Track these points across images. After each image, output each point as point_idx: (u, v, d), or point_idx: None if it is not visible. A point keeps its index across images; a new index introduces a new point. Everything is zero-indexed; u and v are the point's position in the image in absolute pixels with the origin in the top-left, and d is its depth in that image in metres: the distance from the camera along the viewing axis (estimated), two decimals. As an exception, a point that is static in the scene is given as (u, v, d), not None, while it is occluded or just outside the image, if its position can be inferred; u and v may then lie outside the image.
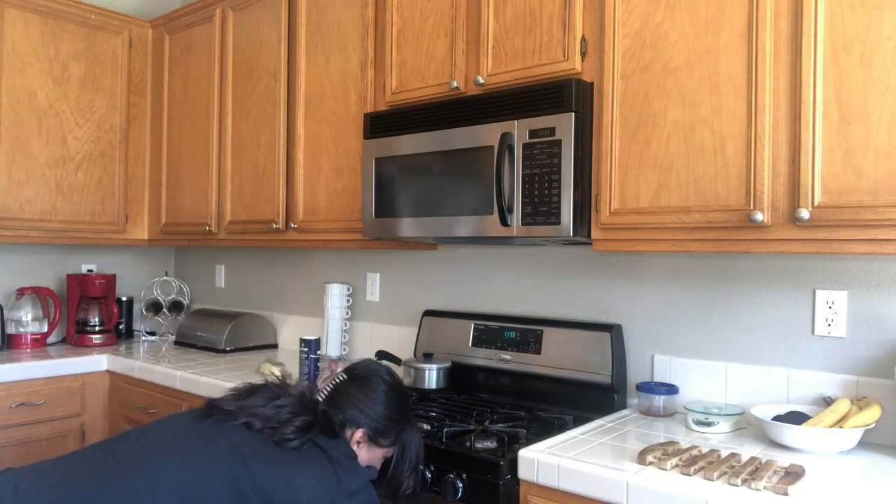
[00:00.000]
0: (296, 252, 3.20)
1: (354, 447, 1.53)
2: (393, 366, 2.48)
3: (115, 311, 3.24)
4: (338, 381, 1.59)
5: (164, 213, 3.27)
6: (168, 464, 1.35)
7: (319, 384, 1.62)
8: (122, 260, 3.57)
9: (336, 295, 2.82)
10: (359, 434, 1.54)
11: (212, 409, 1.48)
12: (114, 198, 3.22)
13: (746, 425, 1.83)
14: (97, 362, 2.86)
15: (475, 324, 2.39)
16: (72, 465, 1.38)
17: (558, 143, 1.81)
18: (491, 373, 2.31)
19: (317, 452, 1.44)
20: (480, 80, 2.05)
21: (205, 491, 1.33)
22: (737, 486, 1.34)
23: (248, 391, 1.54)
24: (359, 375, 1.60)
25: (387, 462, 1.60)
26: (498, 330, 2.33)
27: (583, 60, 1.87)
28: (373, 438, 1.55)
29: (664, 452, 1.52)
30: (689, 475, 1.41)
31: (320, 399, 1.56)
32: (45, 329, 3.10)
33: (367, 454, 1.56)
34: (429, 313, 2.55)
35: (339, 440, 1.50)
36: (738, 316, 1.94)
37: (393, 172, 2.20)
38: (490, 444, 1.70)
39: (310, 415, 1.48)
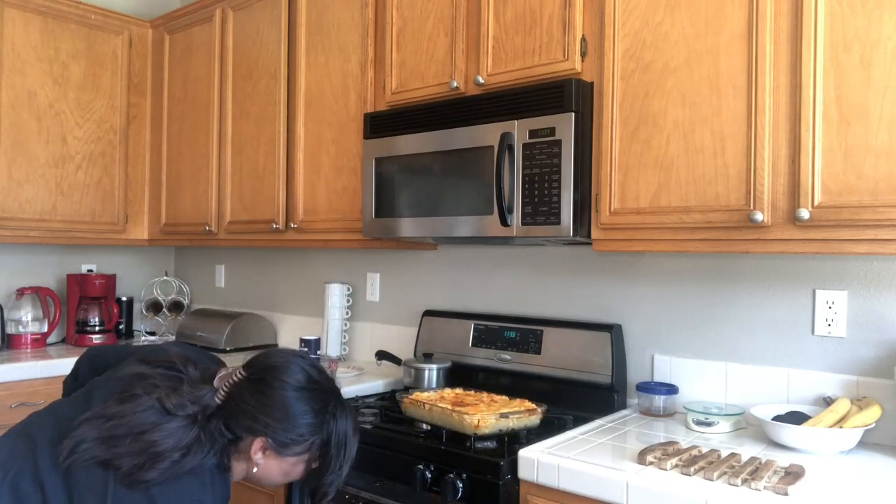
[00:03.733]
0: (296, 252, 3.20)
1: (258, 457, 1.29)
2: (393, 366, 2.50)
3: (115, 311, 3.24)
4: (234, 379, 1.31)
5: (164, 213, 3.27)
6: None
7: (216, 382, 1.32)
8: (122, 260, 3.57)
9: (336, 295, 2.82)
10: (258, 443, 1.28)
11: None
12: (114, 198, 3.22)
13: (746, 425, 1.83)
14: None
15: (475, 324, 2.39)
16: None
17: (558, 143, 1.81)
18: (491, 373, 2.31)
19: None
20: (480, 80, 2.05)
21: None
22: (737, 486, 1.34)
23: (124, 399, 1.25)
24: (254, 375, 1.31)
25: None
26: (498, 330, 2.33)
27: (583, 60, 1.87)
28: (277, 449, 1.29)
29: (664, 452, 1.52)
30: (689, 475, 1.41)
31: (218, 402, 1.29)
32: (45, 329, 3.10)
33: (278, 464, 1.32)
34: (429, 313, 2.55)
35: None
36: (738, 316, 1.94)
37: (393, 172, 2.20)
38: (490, 444, 1.70)
39: (194, 439, 1.22)
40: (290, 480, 1.37)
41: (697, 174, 1.67)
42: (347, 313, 2.86)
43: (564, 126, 1.81)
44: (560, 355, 2.15)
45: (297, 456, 1.32)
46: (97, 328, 3.16)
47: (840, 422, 1.59)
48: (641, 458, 1.49)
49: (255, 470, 1.31)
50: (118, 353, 1.51)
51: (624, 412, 2.01)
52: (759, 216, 1.55)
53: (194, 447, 1.22)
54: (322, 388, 1.34)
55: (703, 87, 1.66)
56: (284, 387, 1.29)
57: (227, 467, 1.28)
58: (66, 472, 1.20)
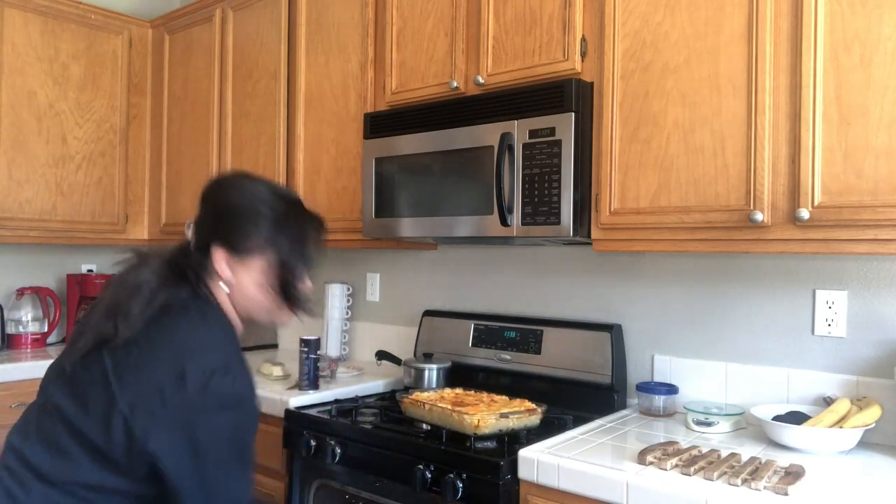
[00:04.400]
0: (296, 252, 3.20)
1: (226, 272, 1.27)
2: (393, 366, 2.49)
3: (115, 311, 3.23)
4: (196, 215, 1.33)
5: (164, 212, 3.27)
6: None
7: (188, 235, 1.34)
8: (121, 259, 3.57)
9: (336, 295, 2.82)
10: (218, 255, 1.26)
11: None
12: (114, 198, 3.22)
13: (746, 425, 1.83)
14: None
15: (475, 324, 2.39)
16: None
17: (558, 143, 1.81)
18: (491, 373, 2.31)
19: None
20: (480, 80, 2.05)
21: None
22: (737, 486, 1.34)
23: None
24: (203, 197, 1.33)
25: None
26: (498, 330, 2.33)
27: (583, 60, 1.87)
28: (236, 254, 1.27)
29: (664, 452, 1.52)
30: (689, 475, 1.41)
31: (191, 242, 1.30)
32: (45, 329, 3.10)
33: (248, 276, 1.28)
34: (429, 313, 2.55)
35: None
36: (738, 316, 1.94)
37: (393, 172, 2.20)
38: (490, 444, 1.70)
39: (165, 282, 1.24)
40: (269, 298, 1.31)
41: (697, 174, 1.67)
42: (347, 313, 2.86)
43: (564, 126, 1.81)
44: (560, 355, 2.15)
45: (258, 257, 1.28)
46: (97, 328, 3.16)
47: (840, 422, 1.59)
48: (641, 458, 1.49)
49: (230, 292, 1.28)
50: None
51: (624, 412, 2.01)
52: (759, 216, 1.55)
53: (163, 281, 1.23)
54: (265, 181, 1.35)
55: (703, 87, 1.66)
56: (228, 192, 1.31)
57: (206, 296, 1.26)
58: (71, 385, 1.21)
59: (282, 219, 1.30)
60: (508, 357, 2.27)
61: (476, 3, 2.09)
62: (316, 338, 2.31)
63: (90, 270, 3.41)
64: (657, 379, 2.06)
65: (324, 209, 2.53)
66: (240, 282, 1.29)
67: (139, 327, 1.18)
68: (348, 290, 2.86)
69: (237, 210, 1.29)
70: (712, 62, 1.65)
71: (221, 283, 1.28)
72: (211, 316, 1.25)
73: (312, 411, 2.05)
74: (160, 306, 1.20)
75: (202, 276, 1.27)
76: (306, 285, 1.33)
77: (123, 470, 1.16)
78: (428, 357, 2.37)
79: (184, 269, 1.26)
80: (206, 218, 1.31)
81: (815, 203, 1.49)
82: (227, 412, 1.17)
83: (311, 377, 2.25)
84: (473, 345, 2.37)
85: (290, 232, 1.30)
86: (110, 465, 1.16)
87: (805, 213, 1.49)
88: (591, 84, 1.86)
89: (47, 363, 2.65)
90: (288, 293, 1.31)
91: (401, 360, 2.44)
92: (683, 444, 1.62)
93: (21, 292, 3.03)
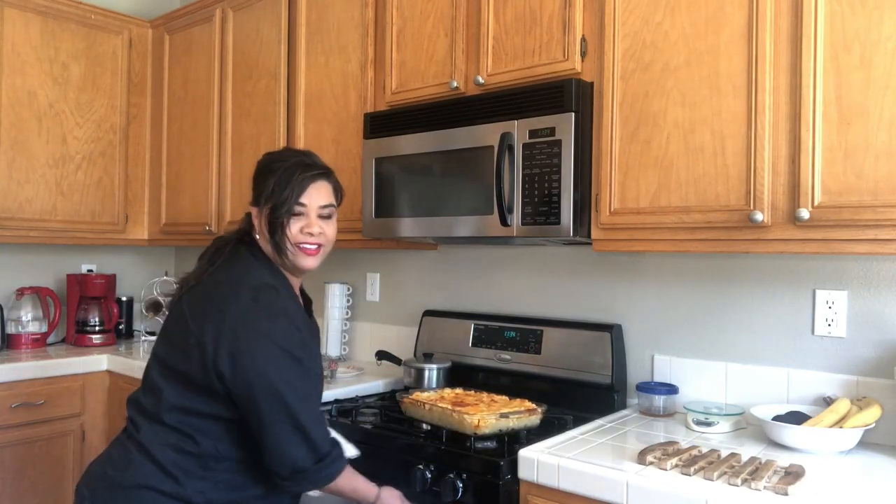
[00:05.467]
0: (296, 252, 3.20)
1: (258, 224, 1.55)
2: (393, 366, 2.49)
3: (115, 311, 3.24)
4: None
5: (164, 212, 3.27)
6: None
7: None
8: (122, 260, 3.57)
9: (336, 295, 2.82)
10: (252, 210, 1.57)
11: None
12: (114, 198, 3.22)
13: (746, 425, 1.83)
14: (97, 362, 2.86)
15: (475, 324, 2.39)
16: None
17: (558, 143, 1.81)
18: (491, 373, 2.31)
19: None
20: (480, 80, 2.04)
21: None
22: (737, 486, 1.34)
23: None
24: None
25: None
26: (498, 330, 2.33)
27: (583, 60, 1.87)
28: (257, 206, 1.55)
29: (664, 452, 1.52)
30: (689, 475, 1.41)
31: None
32: (45, 329, 3.09)
33: (262, 220, 1.54)
34: (429, 313, 2.55)
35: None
36: (738, 316, 1.94)
37: (393, 172, 2.20)
38: (490, 444, 1.70)
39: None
40: (266, 242, 1.54)
41: (697, 174, 1.67)
42: (347, 313, 2.86)
43: (564, 126, 1.81)
44: (560, 355, 2.15)
45: (268, 206, 1.51)
46: (97, 328, 3.16)
47: (840, 422, 1.59)
48: (641, 458, 1.49)
49: (262, 235, 1.54)
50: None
51: (624, 412, 2.01)
52: (759, 216, 1.55)
53: (226, 240, 1.58)
54: (291, 148, 1.67)
55: (703, 87, 1.66)
56: (262, 159, 1.60)
57: (250, 243, 1.56)
58: (163, 334, 1.54)
59: (266, 169, 1.55)
60: (508, 357, 2.27)
61: (476, 3, 2.09)
62: (316, 338, 2.31)
63: (90, 270, 3.41)
64: (657, 379, 2.06)
65: (324, 209, 2.53)
66: (260, 230, 1.55)
67: (205, 272, 1.50)
68: (348, 290, 2.86)
69: (256, 172, 1.58)
70: (712, 62, 1.65)
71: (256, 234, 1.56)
72: (256, 255, 1.53)
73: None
74: (221, 255, 1.52)
75: (250, 230, 1.57)
76: (293, 228, 1.51)
77: (205, 390, 1.40)
78: (428, 357, 2.37)
79: (242, 229, 1.59)
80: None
81: (815, 203, 1.49)
82: (277, 320, 1.41)
83: (311, 377, 2.25)
84: (473, 345, 2.37)
85: (279, 174, 1.51)
86: (193, 387, 1.41)
87: (805, 213, 1.49)
88: (591, 84, 1.86)
89: (47, 363, 2.69)
90: (274, 236, 1.51)
91: (401, 360, 2.44)
92: (683, 444, 1.62)
93: (21, 292, 3.03)
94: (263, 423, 1.37)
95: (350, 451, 1.59)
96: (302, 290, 1.66)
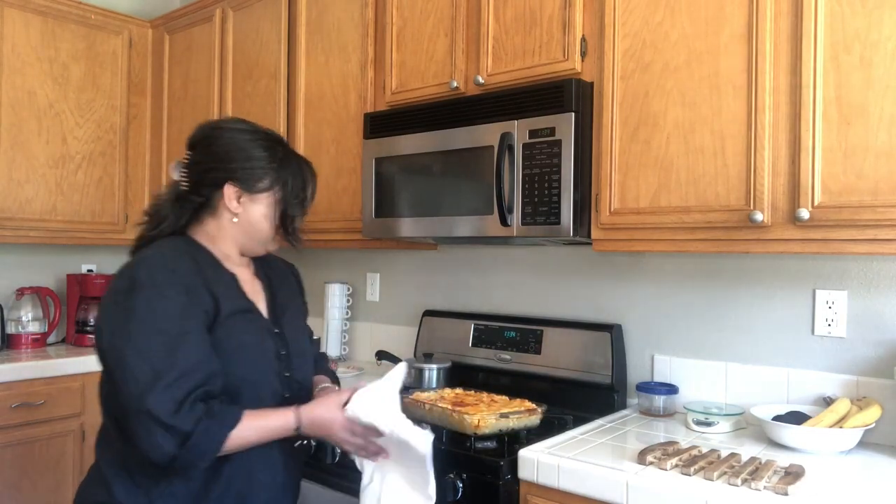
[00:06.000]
0: (296, 252, 3.19)
1: (234, 205, 1.40)
2: (393, 366, 2.49)
3: (115, 311, 3.23)
4: (184, 160, 1.44)
5: (164, 213, 3.26)
6: None
7: (174, 176, 1.46)
8: (121, 260, 3.51)
9: (336, 295, 2.82)
10: (228, 191, 1.39)
11: None
12: (114, 198, 3.22)
13: (746, 425, 1.83)
14: (97, 362, 2.85)
15: (475, 324, 2.39)
16: None
17: (558, 143, 1.81)
18: (491, 373, 2.31)
19: None
20: (480, 80, 2.04)
21: None
22: (737, 486, 1.34)
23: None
24: (196, 142, 1.44)
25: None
26: (498, 330, 2.33)
27: (583, 60, 1.87)
28: (247, 189, 1.40)
29: (664, 452, 1.52)
30: (689, 475, 1.41)
31: (183, 186, 1.42)
32: (45, 329, 3.09)
33: (255, 208, 1.42)
34: (429, 313, 2.55)
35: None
36: (738, 316, 1.94)
37: (393, 172, 2.20)
38: (490, 444, 1.70)
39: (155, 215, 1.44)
40: (273, 226, 1.46)
41: (697, 174, 1.67)
42: (347, 313, 2.86)
43: (564, 126, 1.81)
44: (560, 355, 2.15)
45: (266, 192, 1.42)
46: (97, 328, 3.16)
47: (840, 422, 1.59)
48: (641, 458, 1.49)
49: (235, 220, 1.42)
50: None
51: (624, 412, 2.01)
52: (759, 216, 1.55)
53: (157, 215, 1.43)
54: (259, 127, 1.48)
55: (704, 87, 1.66)
56: (230, 132, 1.43)
57: (182, 230, 1.43)
58: None
59: (284, 161, 1.45)
60: (508, 357, 2.27)
61: (476, 3, 2.09)
62: (316, 338, 2.31)
63: (90, 270, 3.41)
64: (657, 379, 2.06)
65: (324, 209, 2.54)
66: (247, 213, 1.42)
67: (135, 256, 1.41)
68: (348, 290, 2.86)
69: (239, 149, 1.41)
70: (712, 62, 1.65)
71: (227, 215, 1.42)
72: (172, 243, 1.40)
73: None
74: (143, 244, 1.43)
75: (202, 216, 1.43)
76: (301, 219, 1.50)
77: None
78: (428, 357, 2.37)
79: (182, 208, 1.42)
80: (206, 160, 1.42)
81: (815, 203, 1.49)
82: (132, 294, 1.27)
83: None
84: (473, 345, 2.37)
85: (290, 172, 1.45)
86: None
87: (805, 213, 1.49)
88: (591, 84, 1.86)
89: (47, 363, 2.69)
90: (286, 226, 1.47)
91: (401, 360, 2.44)
92: (683, 444, 1.62)
93: (21, 292, 3.03)
94: (120, 407, 1.25)
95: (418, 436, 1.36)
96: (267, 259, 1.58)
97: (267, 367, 1.40)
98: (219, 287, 1.36)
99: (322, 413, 1.35)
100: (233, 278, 1.43)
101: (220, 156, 1.40)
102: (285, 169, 1.44)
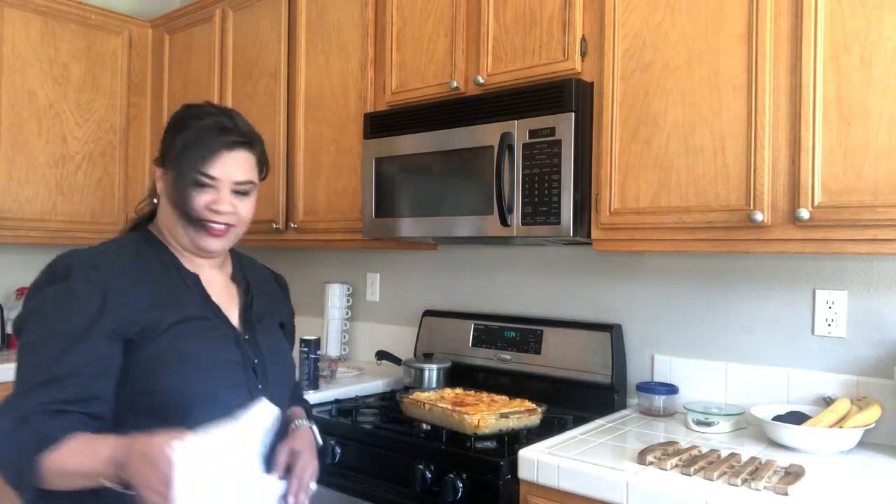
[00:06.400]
0: (296, 252, 3.20)
1: (160, 185, 1.30)
2: (393, 366, 2.49)
3: (115, 311, 3.23)
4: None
5: (164, 213, 3.26)
6: None
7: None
8: (122, 260, 3.56)
9: (336, 295, 2.82)
10: (157, 174, 1.31)
11: None
12: (114, 198, 3.22)
13: (746, 425, 1.83)
14: None
15: (475, 324, 2.39)
16: None
17: (558, 143, 1.81)
18: (491, 373, 2.31)
19: None
20: (480, 80, 2.04)
21: None
22: (737, 486, 1.34)
23: None
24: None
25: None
26: (498, 330, 2.33)
27: (583, 60, 1.87)
28: (161, 165, 1.30)
29: (664, 452, 1.52)
30: (689, 475, 1.41)
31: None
32: (45, 329, 3.09)
33: (166, 184, 1.28)
34: (429, 313, 2.55)
35: None
36: (738, 316, 1.94)
37: (393, 172, 2.20)
38: (490, 444, 1.70)
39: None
40: (173, 212, 1.27)
41: (697, 174, 1.67)
42: (347, 313, 2.86)
43: (564, 126, 1.81)
44: (560, 355, 2.15)
45: (171, 167, 1.27)
46: (97, 328, 3.16)
47: (840, 422, 1.59)
48: (641, 458, 1.49)
49: (164, 202, 1.30)
50: None
51: (624, 412, 2.01)
52: (759, 216, 1.55)
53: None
54: (200, 102, 1.36)
55: (703, 87, 1.66)
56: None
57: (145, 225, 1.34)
58: None
59: (179, 125, 1.29)
60: (508, 357, 2.27)
61: (476, 3, 2.09)
62: (316, 338, 2.31)
63: (90, 270, 3.40)
64: (657, 379, 2.06)
65: (324, 209, 2.54)
66: (166, 192, 1.29)
67: None
68: (348, 290, 2.86)
69: (168, 125, 1.32)
70: (712, 62, 1.65)
71: (163, 199, 1.30)
72: (123, 239, 1.31)
73: (312, 411, 2.05)
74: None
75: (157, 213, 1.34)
76: (198, 201, 1.24)
77: None
78: (428, 357, 2.37)
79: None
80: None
81: (815, 203, 1.49)
82: (45, 286, 1.16)
83: (311, 377, 2.25)
84: (473, 345, 2.37)
85: (184, 137, 1.25)
86: None
87: (805, 213, 1.49)
88: (591, 84, 1.86)
89: (47, 363, 2.66)
90: (182, 203, 1.24)
91: (401, 360, 2.44)
92: (683, 444, 1.62)
93: (21, 292, 3.03)
94: None
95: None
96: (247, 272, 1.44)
97: (225, 380, 1.22)
98: (170, 290, 1.23)
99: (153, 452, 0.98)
100: (195, 280, 1.28)
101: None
102: (189, 131, 1.25)
